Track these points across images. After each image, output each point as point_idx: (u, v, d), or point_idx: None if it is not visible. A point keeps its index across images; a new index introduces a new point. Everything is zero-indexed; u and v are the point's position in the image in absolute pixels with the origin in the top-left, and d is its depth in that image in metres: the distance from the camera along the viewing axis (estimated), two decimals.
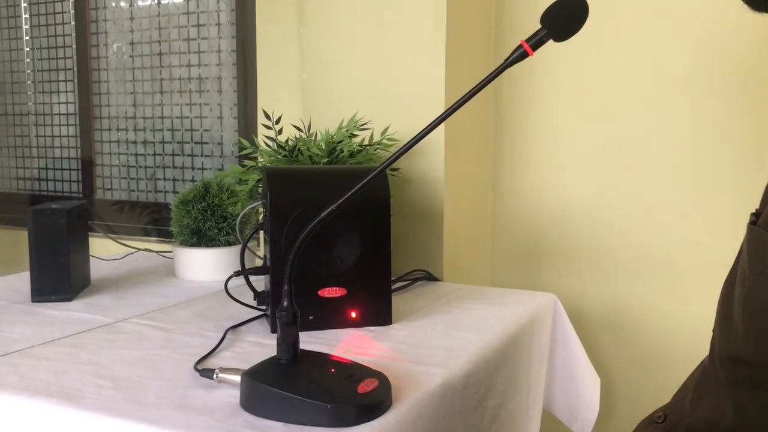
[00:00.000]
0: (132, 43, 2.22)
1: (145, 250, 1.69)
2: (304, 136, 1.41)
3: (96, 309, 1.23)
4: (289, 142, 1.36)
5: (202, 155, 2.15)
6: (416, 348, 1.02)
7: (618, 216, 1.59)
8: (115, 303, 1.28)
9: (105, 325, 1.13)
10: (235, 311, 1.17)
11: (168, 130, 2.19)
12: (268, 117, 1.38)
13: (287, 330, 0.80)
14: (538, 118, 1.65)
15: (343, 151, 1.31)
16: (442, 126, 1.41)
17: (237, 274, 1.11)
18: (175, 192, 2.17)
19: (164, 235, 2.07)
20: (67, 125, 2.38)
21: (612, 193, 1.59)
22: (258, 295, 1.13)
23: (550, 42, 0.79)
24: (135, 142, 2.25)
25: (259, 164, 1.38)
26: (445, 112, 0.77)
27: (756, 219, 0.64)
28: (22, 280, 1.32)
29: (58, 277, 1.28)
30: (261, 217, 1.27)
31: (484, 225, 1.72)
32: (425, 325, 1.14)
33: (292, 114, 1.56)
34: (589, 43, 1.55)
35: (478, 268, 1.71)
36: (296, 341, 0.81)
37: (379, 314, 1.12)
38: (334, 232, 1.07)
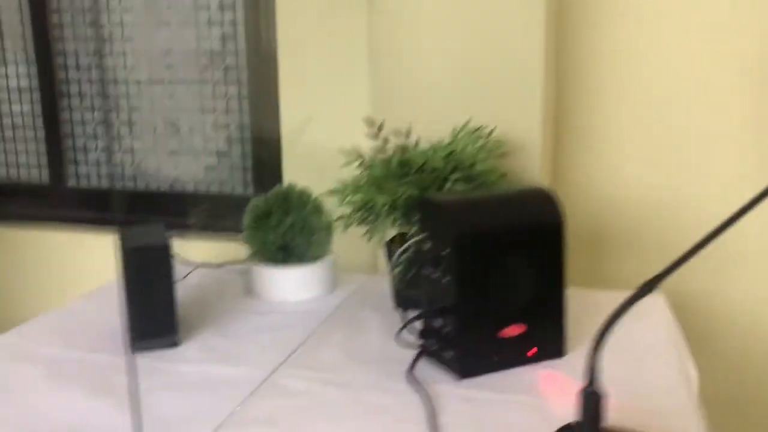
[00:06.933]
0: None
1: (203, 265, 1.51)
2: (402, 143, 1.30)
3: (221, 357, 1.09)
4: (394, 153, 1.25)
5: None
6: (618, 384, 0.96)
7: (685, 206, 1.59)
8: (232, 345, 1.14)
9: (264, 383, 0.99)
10: (373, 346, 1.09)
11: None
12: (371, 125, 1.26)
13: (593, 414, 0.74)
14: (603, 106, 1.61)
15: (467, 164, 1.22)
16: (539, 124, 1.32)
17: (411, 321, 1.01)
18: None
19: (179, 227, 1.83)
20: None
21: (677, 182, 1.59)
22: (425, 334, 1.05)
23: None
24: None
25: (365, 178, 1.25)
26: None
27: None
28: (68, 320, 1.19)
29: (161, 318, 1.13)
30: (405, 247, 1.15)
31: None
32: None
33: (359, 112, 1.44)
34: (655, 29, 1.52)
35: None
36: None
37: (555, 346, 1.07)
38: (510, 266, 1.00)
